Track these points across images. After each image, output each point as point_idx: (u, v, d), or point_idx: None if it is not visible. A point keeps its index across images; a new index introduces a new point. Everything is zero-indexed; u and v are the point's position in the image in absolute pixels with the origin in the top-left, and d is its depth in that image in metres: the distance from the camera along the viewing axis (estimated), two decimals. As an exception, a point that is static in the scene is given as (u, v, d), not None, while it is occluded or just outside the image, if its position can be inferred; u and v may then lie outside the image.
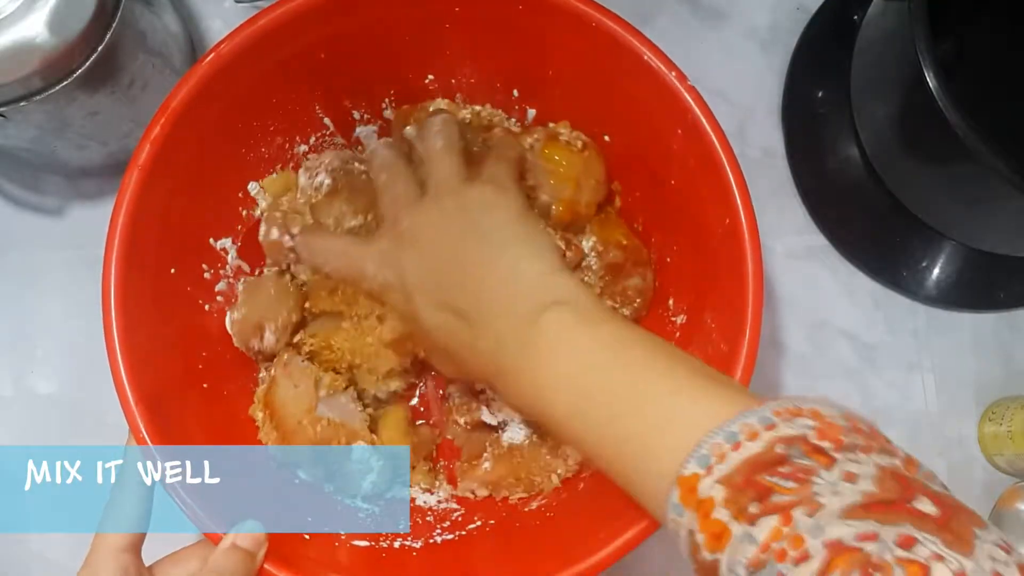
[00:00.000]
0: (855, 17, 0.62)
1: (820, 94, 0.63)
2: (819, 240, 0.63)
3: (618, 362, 0.39)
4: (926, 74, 0.46)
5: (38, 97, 0.48)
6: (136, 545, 0.43)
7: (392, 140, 0.55)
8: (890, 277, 0.62)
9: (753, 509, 0.31)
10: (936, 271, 0.62)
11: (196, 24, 0.63)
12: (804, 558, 0.29)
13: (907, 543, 0.28)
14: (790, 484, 0.31)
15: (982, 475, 0.62)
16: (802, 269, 0.63)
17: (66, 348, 0.60)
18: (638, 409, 0.37)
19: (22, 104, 0.48)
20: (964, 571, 0.27)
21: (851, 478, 0.31)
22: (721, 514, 0.32)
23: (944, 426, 0.62)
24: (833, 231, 0.63)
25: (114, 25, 0.49)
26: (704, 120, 0.47)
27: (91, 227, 0.61)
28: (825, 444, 0.32)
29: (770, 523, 0.30)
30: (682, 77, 0.48)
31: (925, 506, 0.30)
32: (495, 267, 0.43)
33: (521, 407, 0.44)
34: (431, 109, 0.56)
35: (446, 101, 0.57)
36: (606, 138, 0.55)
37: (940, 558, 0.28)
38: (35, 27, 0.46)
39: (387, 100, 0.57)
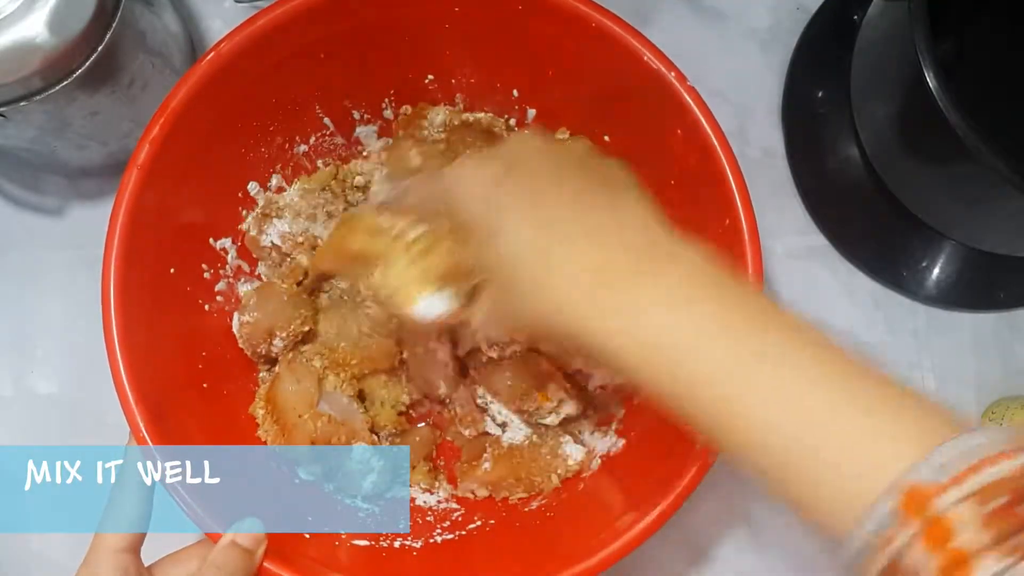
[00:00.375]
0: (855, 17, 0.62)
1: (820, 94, 0.63)
2: (819, 240, 0.63)
3: (773, 346, 0.33)
4: (926, 74, 0.46)
5: (38, 97, 0.48)
6: (136, 545, 0.43)
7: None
8: (890, 277, 0.62)
9: (1016, 542, 0.25)
10: (936, 271, 0.62)
11: (196, 24, 0.63)
12: None
13: None
14: None
15: (982, 475, 0.62)
16: (802, 269, 0.63)
17: (66, 348, 0.60)
18: (813, 413, 0.31)
19: (22, 104, 0.48)
20: None
21: None
22: (971, 537, 0.26)
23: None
24: (833, 231, 0.63)
25: (114, 25, 0.49)
26: (704, 120, 0.47)
27: (91, 227, 0.61)
28: None
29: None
30: (681, 77, 0.48)
31: None
32: (617, 207, 0.38)
33: (627, 360, 0.35)
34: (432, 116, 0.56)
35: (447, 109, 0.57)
36: (606, 138, 0.55)
37: None
38: (35, 27, 0.46)
39: (387, 100, 0.57)
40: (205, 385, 0.51)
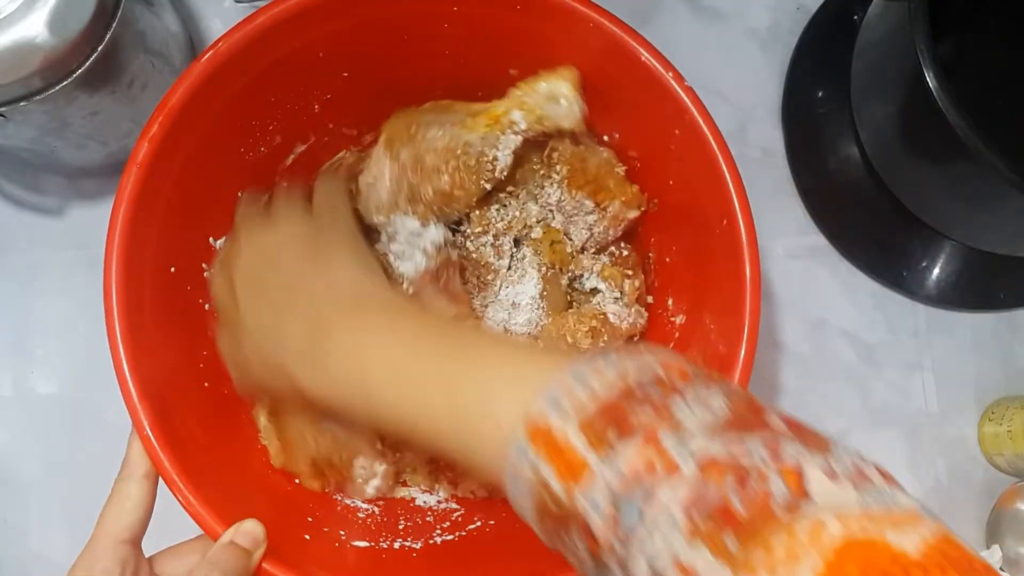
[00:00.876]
0: (855, 17, 0.62)
1: (820, 94, 0.63)
2: (819, 240, 0.63)
3: (435, 345, 0.40)
4: (926, 74, 0.46)
5: (38, 97, 0.48)
6: (137, 536, 0.43)
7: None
8: (890, 277, 0.62)
9: (611, 435, 0.30)
10: (936, 271, 0.62)
11: (196, 24, 0.63)
12: (673, 469, 0.29)
13: (774, 450, 0.28)
14: (647, 410, 0.31)
15: (982, 475, 0.62)
16: (802, 269, 0.63)
17: (66, 348, 0.60)
18: (460, 380, 0.38)
19: (22, 104, 0.48)
20: (831, 467, 0.28)
21: (706, 402, 0.31)
22: (576, 442, 0.31)
23: (944, 426, 0.62)
24: (833, 231, 0.63)
25: (114, 25, 0.49)
26: (701, 120, 0.47)
27: (91, 227, 0.61)
28: (675, 378, 0.32)
29: (633, 444, 0.30)
30: (679, 78, 0.48)
31: (779, 423, 0.30)
32: (319, 270, 0.46)
33: (329, 397, 0.43)
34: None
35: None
36: (605, 138, 0.55)
37: (805, 459, 0.28)
38: (35, 27, 0.46)
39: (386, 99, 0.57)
40: (206, 384, 0.51)
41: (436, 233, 0.53)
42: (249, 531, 0.44)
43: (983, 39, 0.60)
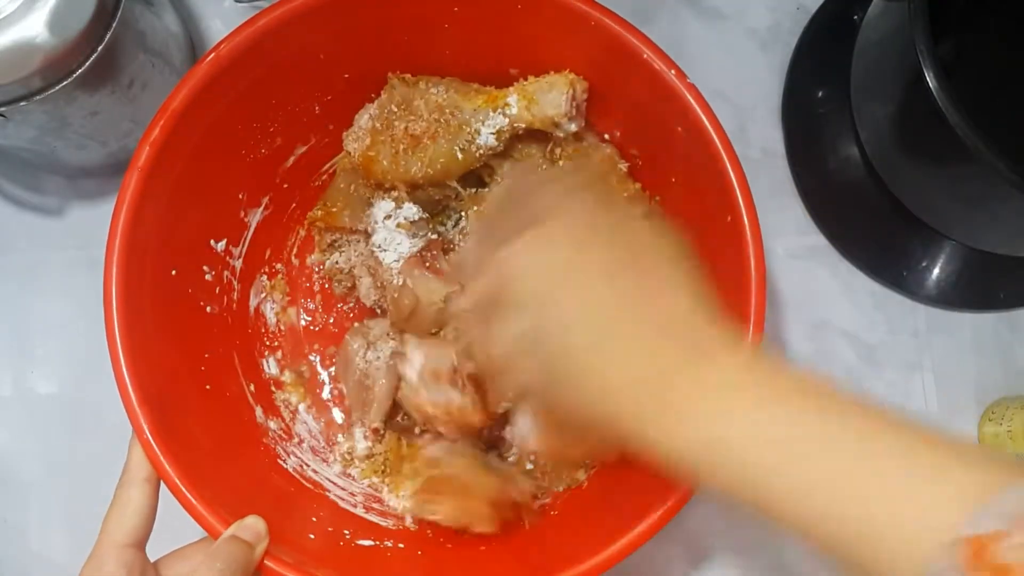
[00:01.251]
0: (855, 17, 0.62)
1: (820, 94, 0.63)
2: (819, 240, 0.63)
3: (822, 415, 0.34)
4: (926, 74, 0.46)
5: (38, 97, 0.48)
6: (141, 541, 0.43)
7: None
8: (890, 277, 0.62)
9: None
10: (936, 271, 0.62)
11: (196, 24, 0.63)
12: None
13: None
14: None
15: (982, 475, 0.62)
16: (802, 269, 0.63)
17: (66, 348, 0.60)
18: (864, 470, 0.32)
19: (22, 104, 0.48)
20: None
21: None
22: None
23: (944, 426, 0.62)
24: (833, 231, 0.63)
25: (114, 25, 0.49)
26: (704, 117, 0.47)
27: (91, 227, 0.61)
28: None
29: None
30: (681, 75, 0.48)
31: None
32: (663, 299, 0.38)
33: (682, 459, 0.36)
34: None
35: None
36: (606, 136, 0.55)
37: None
38: (35, 27, 0.46)
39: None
40: (208, 387, 0.51)
41: (411, 209, 0.53)
42: (251, 526, 0.44)
43: (983, 39, 0.60)
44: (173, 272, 0.50)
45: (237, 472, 0.50)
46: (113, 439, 0.59)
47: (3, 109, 0.48)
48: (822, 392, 0.35)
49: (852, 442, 0.33)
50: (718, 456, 0.35)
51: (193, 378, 0.51)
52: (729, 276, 0.47)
